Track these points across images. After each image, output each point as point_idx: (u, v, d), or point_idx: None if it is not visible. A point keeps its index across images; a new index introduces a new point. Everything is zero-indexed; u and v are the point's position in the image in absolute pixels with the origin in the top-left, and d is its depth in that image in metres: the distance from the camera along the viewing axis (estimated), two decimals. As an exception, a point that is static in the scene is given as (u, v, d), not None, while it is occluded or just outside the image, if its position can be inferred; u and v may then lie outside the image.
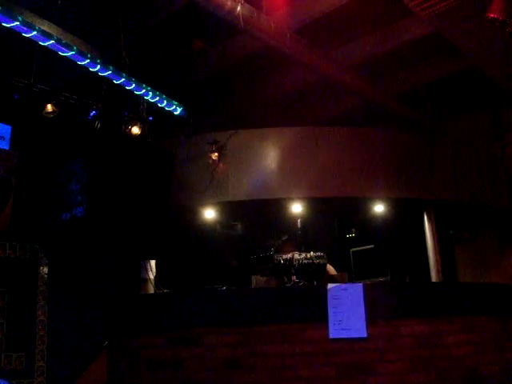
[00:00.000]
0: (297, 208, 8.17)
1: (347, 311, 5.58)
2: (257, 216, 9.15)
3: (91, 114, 6.71)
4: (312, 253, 6.61)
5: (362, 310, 5.58)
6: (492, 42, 6.89)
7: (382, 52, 8.19)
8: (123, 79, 6.35)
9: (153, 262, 6.83)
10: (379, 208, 8.51)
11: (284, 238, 7.40)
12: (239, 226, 9.61)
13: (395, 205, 8.51)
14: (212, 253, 9.03)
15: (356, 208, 9.00)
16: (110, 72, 6.20)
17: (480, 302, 6.06)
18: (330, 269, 6.91)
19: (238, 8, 6.35)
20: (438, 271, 8.69)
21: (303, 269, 6.35)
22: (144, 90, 6.62)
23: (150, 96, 6.74)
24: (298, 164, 8.03)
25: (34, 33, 5.43)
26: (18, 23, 5.28)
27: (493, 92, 8.88)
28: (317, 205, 8.30)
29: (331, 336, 5.51)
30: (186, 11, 6.91)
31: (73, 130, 7.17)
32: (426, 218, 8.88)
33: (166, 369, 5.68)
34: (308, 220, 8.36)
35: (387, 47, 8.08)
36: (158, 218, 7.98)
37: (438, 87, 9.25)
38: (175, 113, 7.12)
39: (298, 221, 7.92)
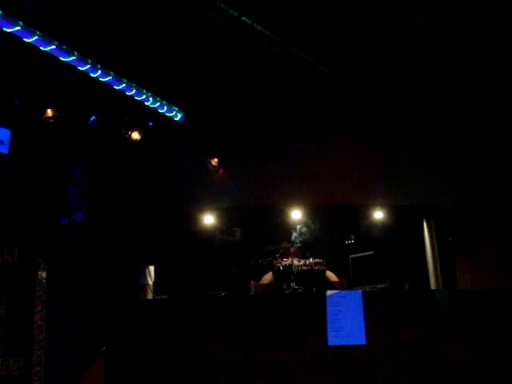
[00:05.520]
0: (296, 214, 8.15)
1: (346, 318, 5.57)
2: (256, 222, 9.13)
3: (91, 119, 6.72)
4: (311, 259, 6.59)
5: (361, 318, 5.57)
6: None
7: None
8: (124, 85, 6.36)
9: (152, 268, 6.82)
10: (378, 215, 8.49)
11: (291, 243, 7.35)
12: (238, 232, 9.58)
13: (394, 211, 8.50)
14: (211, 259, 9.00)
15: (355, 214, 8.98)
16: (110, 78, 6.21)
17: (479, 310, 6.04)
18: (331, 275, 6.87)
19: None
20: (437, 278, 8.66)
21: (302, 275, 6.34)
22: (144, 96, 6.63)
23: (150, 102, 6.74)
24: (298, 171, 8.01)
25: (35, 38, 5.44)
26: (18, 28, 5.30)
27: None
28: (316, 211, 8.27)
29: (330, 343, 5.50)
30: (188, 15, 6.88)
31: (73, 135, 7.17)
32: (425, 224, 8.87)
33: (164, 375, 5.66)
34: (307, 226, 8.33)
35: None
36: (157, 223, 7.98)
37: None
38: (175, 118, 7.13)
39: (297, 227, 7.91)
